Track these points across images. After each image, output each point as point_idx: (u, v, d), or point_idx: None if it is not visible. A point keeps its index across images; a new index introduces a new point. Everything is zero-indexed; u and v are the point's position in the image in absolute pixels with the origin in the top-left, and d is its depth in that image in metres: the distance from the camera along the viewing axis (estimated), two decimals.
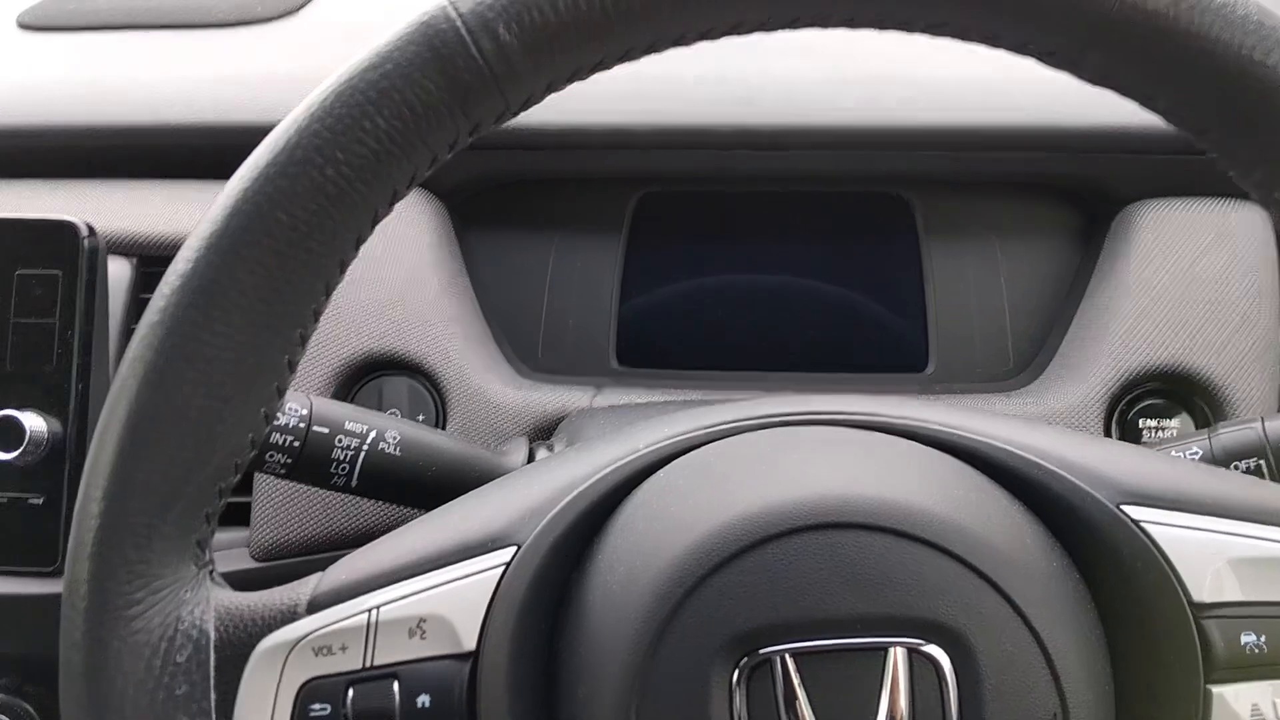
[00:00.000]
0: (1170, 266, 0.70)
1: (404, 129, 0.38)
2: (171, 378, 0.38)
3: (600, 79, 0.41)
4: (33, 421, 0.61)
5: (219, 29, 0.91)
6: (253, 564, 0.65)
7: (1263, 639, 0.38)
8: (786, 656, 0.36)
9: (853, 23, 0.41)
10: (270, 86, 0.78)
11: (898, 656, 0.36)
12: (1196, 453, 0.54)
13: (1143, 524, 0.40)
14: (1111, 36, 0.38)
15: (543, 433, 0.69)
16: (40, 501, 0.62)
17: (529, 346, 0.78)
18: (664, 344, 0.79)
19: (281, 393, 0.41)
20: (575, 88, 0.41)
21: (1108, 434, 0.67)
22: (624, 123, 0.76)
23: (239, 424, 0.40)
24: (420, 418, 0.68)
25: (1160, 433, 0.67)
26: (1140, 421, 0.68)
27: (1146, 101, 0.40)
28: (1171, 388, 0.68)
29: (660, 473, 0.43)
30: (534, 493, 0.43)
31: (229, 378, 0.39)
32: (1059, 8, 0.38)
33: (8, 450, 0.60)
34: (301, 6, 0.93)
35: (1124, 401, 0.68)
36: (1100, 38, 0.38)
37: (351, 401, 0.69)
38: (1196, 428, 0.68)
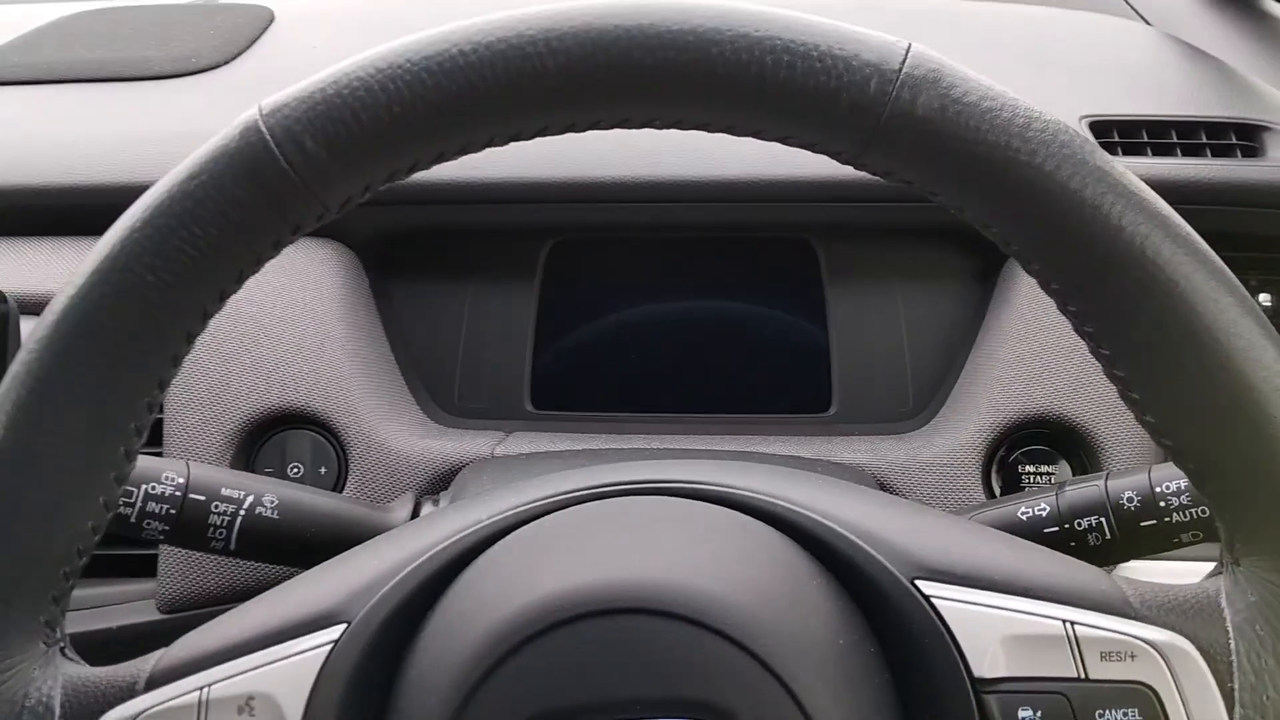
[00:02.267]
0: (1052, 313, 0.71)
1: (219, 236, 0.41)
2: (6, 475, 0.41)
3: None
4: None
5: (156, 81, 0.93)
6: (159, 616, 0.68)
7: (1039, 714, 0.40)
8: None
9: (656, 123, 0.43)
10: (188, 145, 0.80)
11: None
12: (1044, 509, 0.56)
13: (932, 599, 0.41)
14: (886, 140, 0.40)
15: (446, 481, 0.72)
16: None
17: (446, 392, 0.80)
18: (577, 387, 0.81)
19: (120, 482, 0.43)
20: None
21: (987, 480, 0.69)
22: (531, 177, 0.78)
23: (77, 515, 0.42)
24: (323, 471, 0.71)
25: (1039, 479, 0.69)
26: (1020, 467, 0.69)
27: (933, 198, 0.42)
28: (1052, 434, 0.69)
29: (492, 549, 0.45)
30: (369, 568, 0.45)
31: (63, 473, 0.41)
32: (835, 114, 0.40)
33: None
34: (235, 57, 0.96)
35: (1004, 447, 0.70)
36: (877, 141, 0.40)
37: (255, 458, 0.71)
38: (1073, 474, 0.69)
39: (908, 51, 0.40)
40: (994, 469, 0.69)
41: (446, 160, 0.43)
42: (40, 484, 0.41)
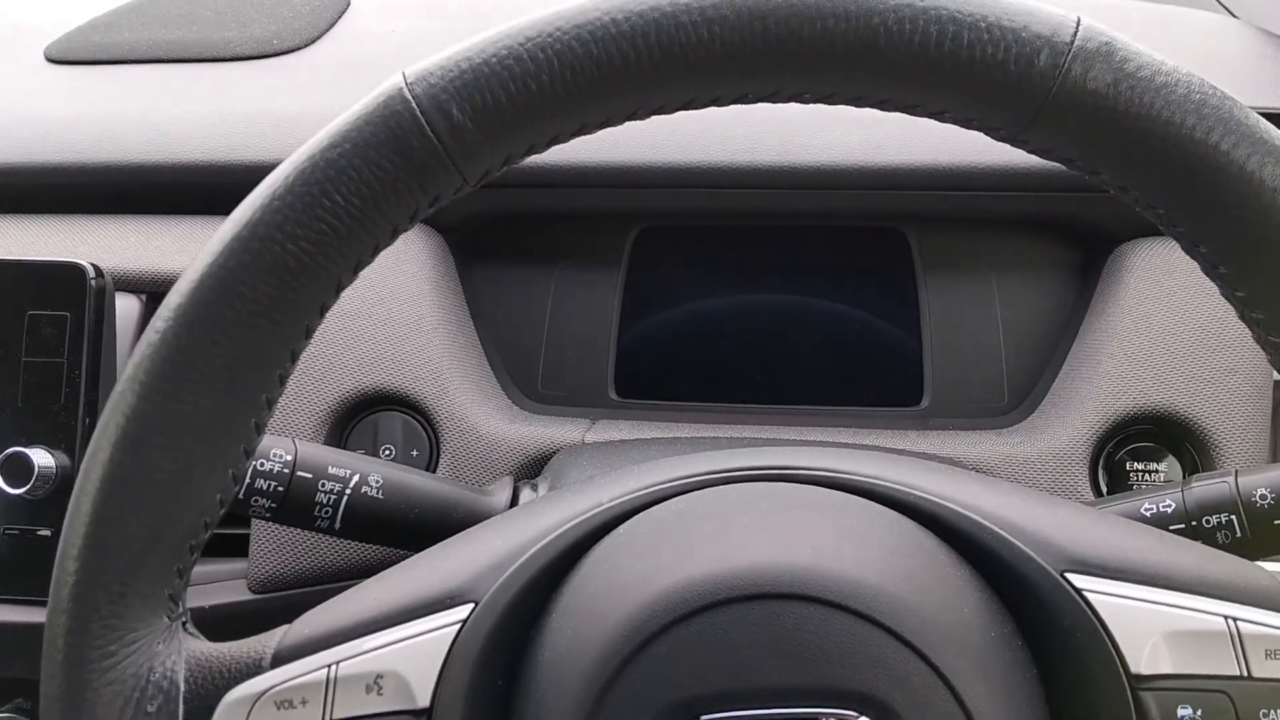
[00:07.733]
0: (1162, 307, 0.70)
1: (362, 205, 0.40)
2: (141, 444, 0.40)
3: None
4: (41, 458, 0.63)
5: (236, 62, 0.93)
6: (250, 595, 0.67)
7: (1199, 712, 0.38)
8: None
9: (803, 98, 0.41)
10: (276, 126, 0.80)
11: None
12: (1170, 505, 0.54)
13: (1085, 593, 0.40)
14: (1053, 116, 0.39)
15: (535, 466, 0.71)
16: (49, 534, 0.65)
17: (529, 378, 0.80)
18: (661, 375, 0.80)
19: (249, 454, 0.42)
20: None
21: (1094, 476, 0.67)
22: (622, 162, 0.77)
23: (206, 486, 0.41)
24: (414, 453, 0.70)
25: (1147, 476, 0.67)
26: (1128, 464, 0.68)
27: (1094, 177, 0.41)
28: (1160, 430, 0.68)
29: (620, 529, 0.44)
30: (494, 548, 0.44)
31: (196, 443, 0.40)
32: (1000, 88, 0.39)
33: (17, 485, 0.63)
34: (315, 40, 0.95)
35: (1112, 443, 0.68)
36: (1042, 117, 0.39)
37: (348, 437, 0.70)
38: (1184, 471, 0.67)
39: (1079, 24, 0.38)
40: (1100, 465, 0.67)
41: (585, 134, 0.42)
42: (174, 454, 0.40)
